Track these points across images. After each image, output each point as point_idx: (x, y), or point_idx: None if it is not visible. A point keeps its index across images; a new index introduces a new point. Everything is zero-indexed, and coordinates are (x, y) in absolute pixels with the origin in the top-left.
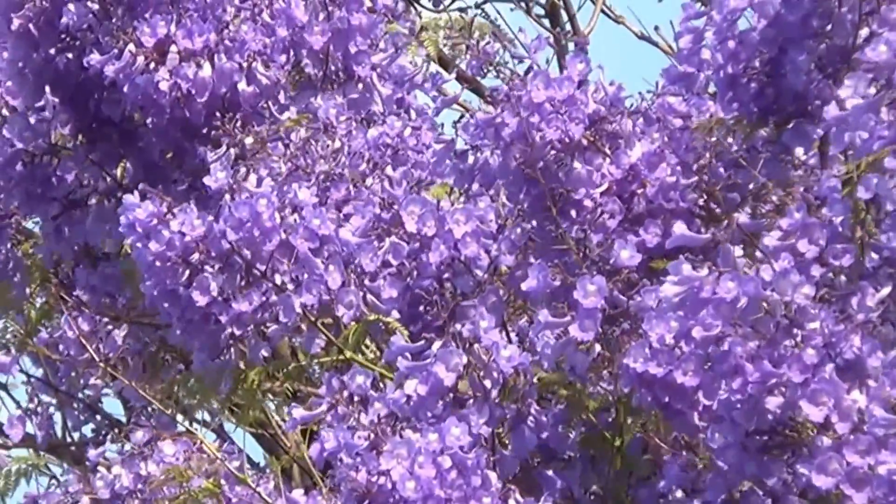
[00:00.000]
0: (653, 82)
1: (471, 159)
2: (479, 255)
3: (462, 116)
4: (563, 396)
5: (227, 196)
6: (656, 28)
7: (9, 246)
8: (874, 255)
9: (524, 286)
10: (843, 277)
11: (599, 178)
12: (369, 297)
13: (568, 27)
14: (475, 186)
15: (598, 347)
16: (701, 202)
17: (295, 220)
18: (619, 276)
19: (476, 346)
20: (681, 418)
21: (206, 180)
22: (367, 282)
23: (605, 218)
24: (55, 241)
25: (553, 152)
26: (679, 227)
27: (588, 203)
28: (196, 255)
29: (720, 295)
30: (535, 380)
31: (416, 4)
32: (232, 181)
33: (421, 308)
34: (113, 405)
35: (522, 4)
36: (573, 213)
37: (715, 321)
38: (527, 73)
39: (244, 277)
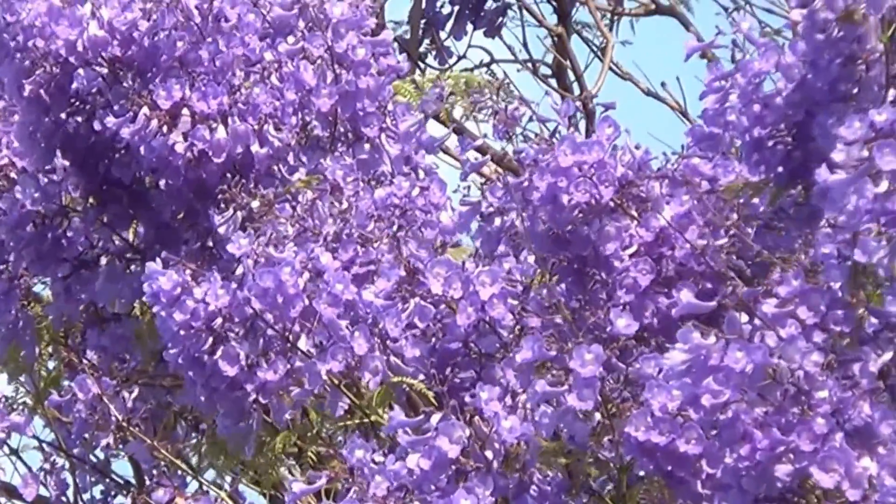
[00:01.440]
0: (659, 137)
1: (497, 222)
2: (505, 316)
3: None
4: (564, 465)
5: (250, 261)
6: (663, 84)
7: (18, 307)
8: (874, 320)
9: (518, 357)
10: (842, 342)
11: (629, 239)
12: (392, 358)
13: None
14: (500, 248)
15: (597, 416)
16: (730, 265)
17: (318, 286)
18: (616, 344)
19: (476, 417)
20: (684, 486)
21: (230, 248)
22: (389, 343)
23: (637, 278)
24: (65, 302)
25: (581, 215)
26: (686, 295)
27: (618, 264)
28: (219, 321)
29: (728, 364)
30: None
31: (420, 63)
32: (255, 247)
33: (447, 370)
34: (122, 467)
35: (529, 64)
36: (603, 274)
37: (723, 388)
38: (552, 136)
39: (267, 343)
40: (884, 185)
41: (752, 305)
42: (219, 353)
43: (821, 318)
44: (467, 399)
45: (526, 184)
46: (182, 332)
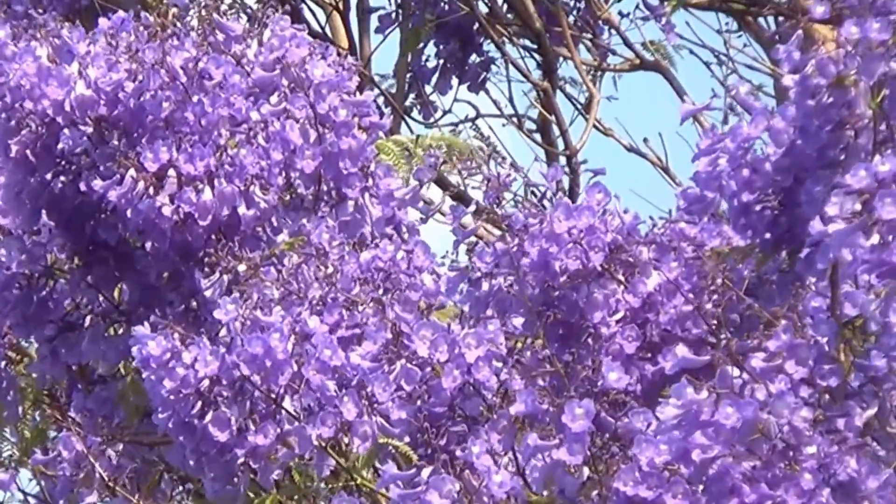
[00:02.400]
0: (641, 193)
1: (485, 286)
2: (490, 378)
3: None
4: None
5: (237, 325)
6: (645, 140)
7: (2, 365)
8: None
9: (512, 410)
10: (827, 396)
11: (616, 305)
12: (379, 419)
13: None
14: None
15: (587, 470)
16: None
17: (306, 351)
18: (606, 399)
19: (466, 472)
20: None
21: (216, 313)
22: (376, 405)
23: (623, 345)
24: (50, 363)
25: (569, 281)
26: (680, 350)
27: (604, 330)
28: (208, 385)
29: (719, 419)
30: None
31: (406, 117)
32: (242, 311)
33: (433, 432)
34: None
35: (514, 119)
36: (590, 340)
37: (712, 443)
38: (540, 200)
39: (254, 405)
40: (875, 237)
41: (742, 360)
42: (209, 417)
43: (808, 373)
44: (458, 453)
45: (515, 249)
46: (172, 398)
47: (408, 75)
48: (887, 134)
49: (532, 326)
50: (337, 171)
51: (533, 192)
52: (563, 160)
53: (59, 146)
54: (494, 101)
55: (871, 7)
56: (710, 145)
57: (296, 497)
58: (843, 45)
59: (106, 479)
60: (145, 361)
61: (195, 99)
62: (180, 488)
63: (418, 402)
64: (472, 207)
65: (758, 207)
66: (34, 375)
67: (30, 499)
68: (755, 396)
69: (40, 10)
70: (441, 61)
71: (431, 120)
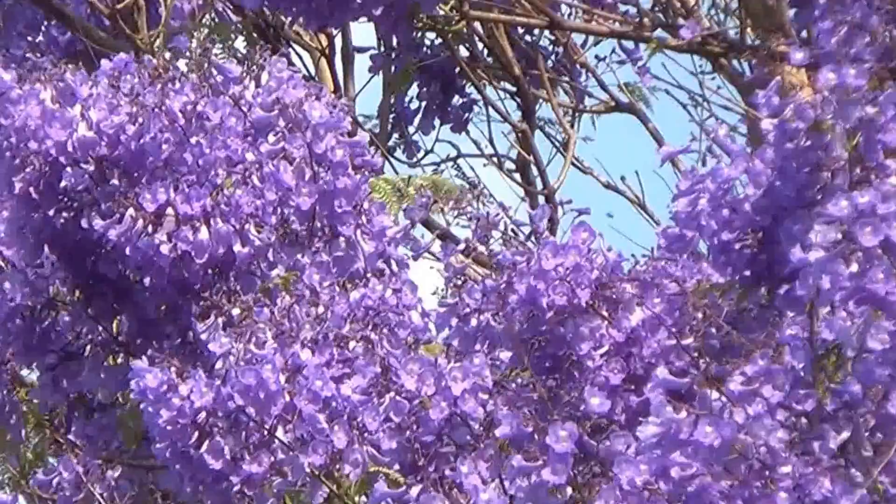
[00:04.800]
0: (619, 229)
1: (474, 322)
2: (476, 410)
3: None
4: None
5: (232, 358)
6: (623, 178)
7: (5, 392)
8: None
9: (497, 432)
10: (803, 420)
11: (601, 339)
12: (369, 448)
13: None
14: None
15: (570, 490)
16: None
17: (298, 382)
18: (588, 423)
19: (455, 491)
20: None
21: (211, 346)
22: (367, 435)
23: (609, 377)
24: (52, 391)
25: (556, 316)
26: (661, 372)
27: (590, 363)
28: (204, 416)
29: (698, 438)
30: None
31: (389, 158)
32: (236, 345)
33: (421, 461)
34: None
35: (494, 159)
36: (576, 373)
37: (691, 462)
38: (528, 238)
39: (248, 435)
40: (854, 266)
41: (721, 384)
42: (205, 447)
43: (784, 397)
44: (447, 472)
45: (504, 286)
46: (169, 428)
47: (391, 116)
48: (863, 175)
49: (519, 359)
50: (332, 209)
51: (514, 232)
52: (541, 199)
53: (62, 184)
54: (475, 142)
55: (847, 54)
56: (690, 186)
57: None
58: (821, 90)
59: (104, 501)
60: (143, 393)
61: (193, 140)
62: None
63: (407, 433)
64: (462, 245)
65: (737, 246)
66: (35, 401)
67: None
68: (733, 419)
69: (38, 54)
70: (424, 102)
71: (414, 159)
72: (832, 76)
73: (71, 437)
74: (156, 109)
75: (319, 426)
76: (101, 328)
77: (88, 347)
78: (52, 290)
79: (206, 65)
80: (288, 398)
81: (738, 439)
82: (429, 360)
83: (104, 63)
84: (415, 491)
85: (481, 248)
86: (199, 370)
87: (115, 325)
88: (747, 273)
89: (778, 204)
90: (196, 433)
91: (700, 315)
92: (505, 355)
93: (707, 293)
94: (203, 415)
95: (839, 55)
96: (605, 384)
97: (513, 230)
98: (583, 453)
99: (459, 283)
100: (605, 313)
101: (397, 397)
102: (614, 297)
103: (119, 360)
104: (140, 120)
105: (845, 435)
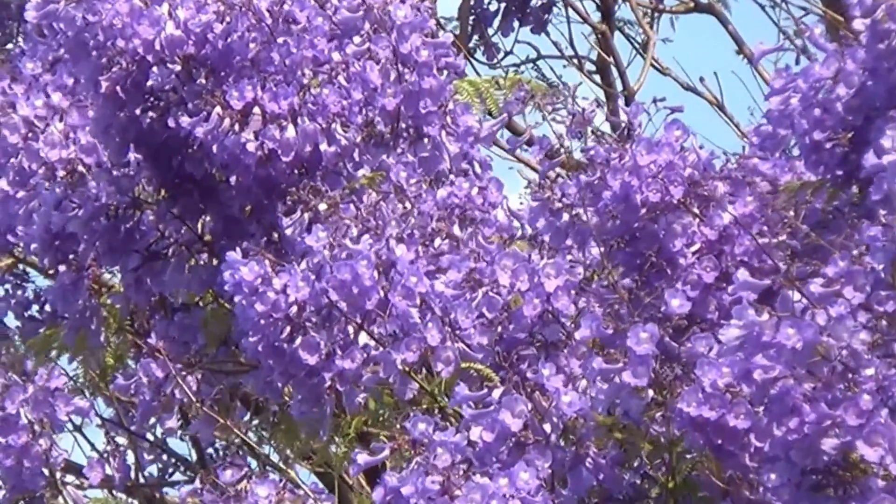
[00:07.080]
0: (697, 131)
1: (566, 217)
2: (568, 307)
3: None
4: (618, 440)
5: (326, 253)
6: (701, 79)
7: (86, 296)
8: None
9: (577, 335)
10: (884, 322)
11: (692, 237)
12: (460, 345)
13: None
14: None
15: (650, 392)
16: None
17: (392, 278)
18: (669, 324)
19: (537, 392)
20: (732, 459)
21: (308, 240)
22: (458, 332)
23: (701, 275)
24: (135, 291)
25: (649, 213)
26: (742, 274)
27: (682, 261)
28: (297, 311)
29: (780, 340)
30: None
31: (470, 59)
32: (331, 239)
33: (513, 356)
34: (177, 444)
35: (574, 61)
36: (668, 270)
37: (774, 364)
38: (619, 135)
39: (342, 331)
40: None
41: (803, 285)
42: (298, 341)
43: (865, 299)
44: (529, 375)
45: (597, 181)
46: (262, 322)
47: (471, 18)
48: None
49: (608, 256)
50: (417, 109)
51: (600, 131)
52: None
53: (149, 83)
54: (555, 43)
55: None
56: (783, 85)
57: (380, 420)
58: None
59: (185, 403)
60: (237, 286)
61: (280, 40)
62: (254, 416)
63: (499, 329)
64: (556, 140)
65: (828, 145)
66: (117, 306)
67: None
68: (815, 321)
69: None
70: (503, 4)
71: (494, 61)
72: None
73: (151, 341)
74: (243, 8)
75: (413, 322)
76: (185, 227)
77: (172, 247)
78: (136, 190)
79: None
80: (382, 294)
81: (820, 341)
82: (523, 255)
83: None
84: (497, 393)
85: (574, 145)
86: (295, 264)
87: (199, 226)
88: (839, 172)
89: (870, 104)
90: (289, 328)
91: (791, 213)
92: (595, 251)
93: (797, 192)
94: (296, 309)
95: None
96: (697, 282)
97: (600, 130)
98: (664, 355)
99: (553, 177)
100: (697, 211)
101: (490, 292)
102: (706, 194)
103: (202, 261)
104: (227, 19)
105: None
